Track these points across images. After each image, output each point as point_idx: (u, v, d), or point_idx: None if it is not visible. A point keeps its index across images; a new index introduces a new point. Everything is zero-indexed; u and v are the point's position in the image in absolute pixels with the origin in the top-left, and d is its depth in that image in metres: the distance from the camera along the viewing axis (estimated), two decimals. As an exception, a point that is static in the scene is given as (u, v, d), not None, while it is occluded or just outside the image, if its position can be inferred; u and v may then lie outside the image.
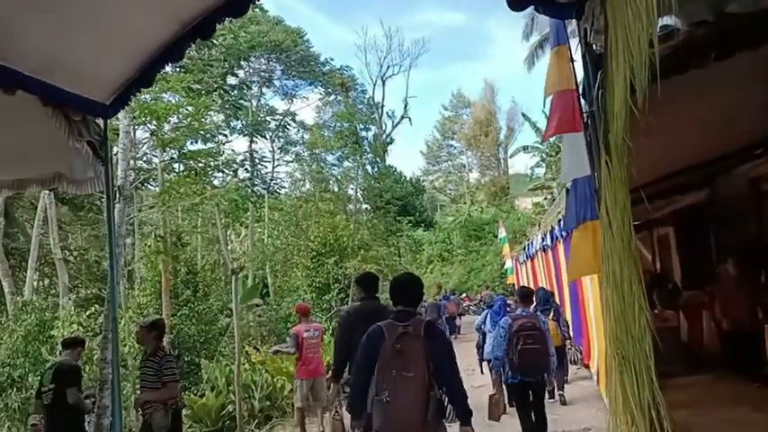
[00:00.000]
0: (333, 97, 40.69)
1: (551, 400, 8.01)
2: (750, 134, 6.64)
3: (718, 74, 3.63)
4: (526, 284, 18.24)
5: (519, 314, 6.20)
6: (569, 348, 9.32)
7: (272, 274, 28.12)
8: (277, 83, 38.23)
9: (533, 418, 5.92)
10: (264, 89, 38.02)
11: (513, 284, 21.99)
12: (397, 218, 35.78)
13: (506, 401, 6.99)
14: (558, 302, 10.57)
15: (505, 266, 25.88)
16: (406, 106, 44.98)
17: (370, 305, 5.05)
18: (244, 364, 11.00)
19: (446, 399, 6.66)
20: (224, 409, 12.17)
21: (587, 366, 9.97)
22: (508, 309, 8.26)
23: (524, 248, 19.14)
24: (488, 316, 8.82)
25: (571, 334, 9.86)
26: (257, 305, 21.71)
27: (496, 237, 31.73)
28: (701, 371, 8.28)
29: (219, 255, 24.05)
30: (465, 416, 3.44)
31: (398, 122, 44.67)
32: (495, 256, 33.96)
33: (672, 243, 13.08)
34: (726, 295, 7.54)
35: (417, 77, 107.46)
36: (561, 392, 8.54)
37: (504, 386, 6.31)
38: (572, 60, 3.72)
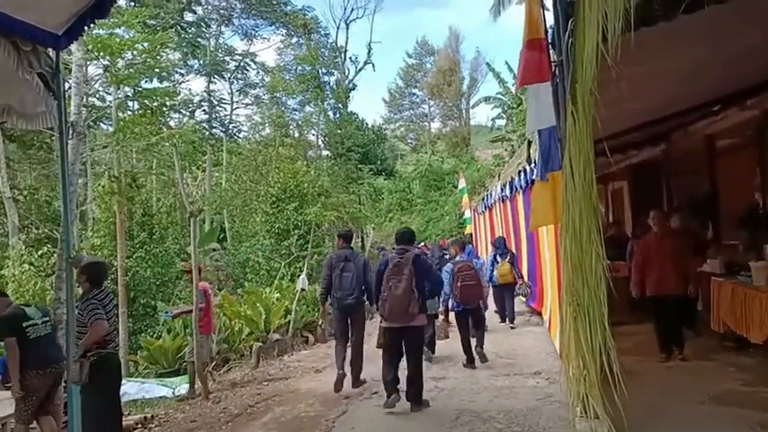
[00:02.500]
0: (294, 39, 39.51)
1: (503, 324, 10.37)
2: (708, 91, 6.77)
3: (681, 29, 3.65)
4: (483, 234, 18.84)
5: (458, 260, 7.78)
6: (519, 285, 10.45)
7: (229, 219, 27.82)
8: (236, 22, 36.86)
9: (472, 333, 7.73)
10: (223, 28, 36.64)
11: (471, 234, 22.34)
12: (358, 165, 35.56)
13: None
14: (515, 251, 11.01)
15: (464, 217, 26.17)
16: (369, 51, 43.94)
17: (347, 252, 7.18)
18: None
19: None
20: (180, 351, 12.20)
21: (540, 314, 10.30)
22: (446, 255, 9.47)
23: (483, 199, 19.38)
24: None
25: (523, 274, 10.81)
26: (214, 250, 21.53)
27: (456, 187, 31.92)
28: (646, 321, 8.62)
29: (176, 198, 23.57)
30: (430, 294, 5.86)
31: (361, 68, 43.68)
32: (454, 206, 34.27)
33: (625, 198, 13.42)
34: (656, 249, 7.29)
35: (382, 22, 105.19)
36: (512, 324, 10.33)
37: (451, 313, 8.13)
38: (543, 8, 3.69)
